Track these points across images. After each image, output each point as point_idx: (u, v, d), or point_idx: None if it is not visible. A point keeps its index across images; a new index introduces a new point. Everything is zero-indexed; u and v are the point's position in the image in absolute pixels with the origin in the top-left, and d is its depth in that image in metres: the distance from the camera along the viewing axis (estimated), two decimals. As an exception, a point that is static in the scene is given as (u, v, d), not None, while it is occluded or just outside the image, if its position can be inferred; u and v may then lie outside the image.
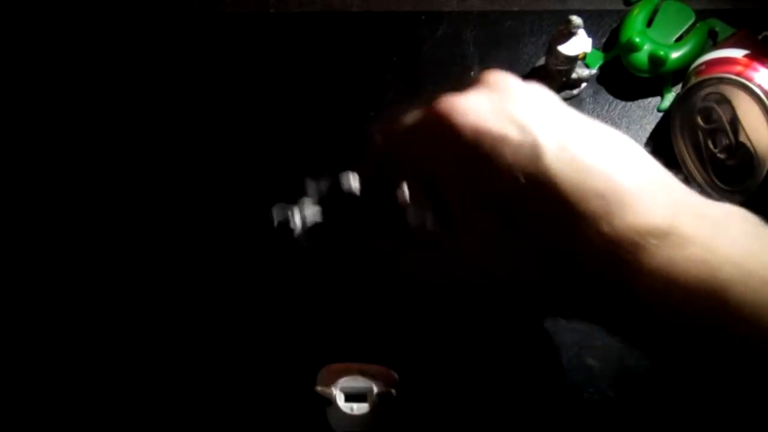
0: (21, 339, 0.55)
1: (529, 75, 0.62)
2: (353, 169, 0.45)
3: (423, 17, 0.65)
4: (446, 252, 0.38)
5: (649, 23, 0.62)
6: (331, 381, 0.51)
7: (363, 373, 0.51)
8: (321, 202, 0.46)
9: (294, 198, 0.48)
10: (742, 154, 0.53)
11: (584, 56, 0.59)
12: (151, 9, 0.67)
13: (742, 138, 0.52)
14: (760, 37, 0.55)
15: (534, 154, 0.31)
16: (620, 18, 0.63)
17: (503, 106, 0.33)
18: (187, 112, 0.62)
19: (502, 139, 0.32)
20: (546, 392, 0.51)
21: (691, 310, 0.29)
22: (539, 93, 0.35)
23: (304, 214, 0.47)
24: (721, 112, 0.53)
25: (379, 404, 0.50)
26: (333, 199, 0.46)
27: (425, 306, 0.54)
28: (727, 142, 0.53)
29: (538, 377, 0.52)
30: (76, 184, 0.60)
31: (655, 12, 0.62)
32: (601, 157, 0.32)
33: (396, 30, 0.65)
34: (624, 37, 0.60)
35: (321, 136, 0.61)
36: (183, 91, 0.63)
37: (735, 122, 0.53)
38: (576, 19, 0.55)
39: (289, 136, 0.61)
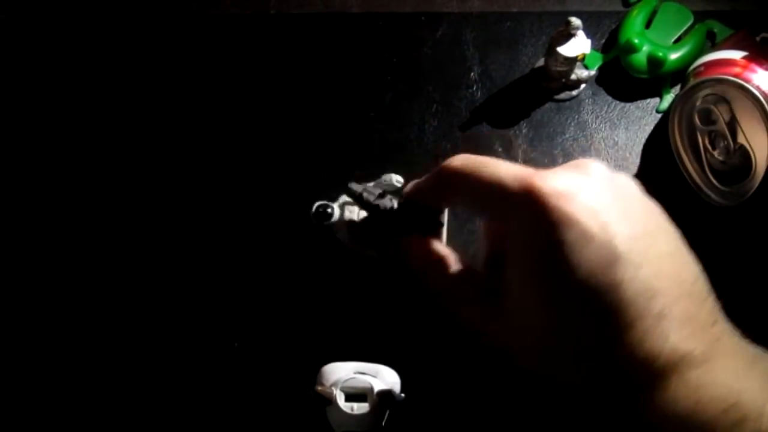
0: (22, 339, 0.55)
1: (528, 76, 0.62)
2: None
3: (423, 18, 0.65)
4: (502, 318, 0.37)
5: (648, 24, 0.62)
6: (331, 380, 0.51)
7: (363, 373, 0.51)
8: (362, 206, 0.47)
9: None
10: (741, 155, 0.53)
11: (583, 57, 0.58)
12: (152, 10, 0.66)
13: (741, 139, 0.52)
14: (758, 39, 0.55)
15: (611, 260, 0.32)
16: (619, 19, 0.63)
17: (595, 200, 0.33)
18: (188, 113, 0.62)
19: (586, 235, 0.32)
20: (547, 393, 0.51)
21: (707, 426, 0.30)
22: (629, 188, 0.36)
23: (343, 209, 0.50)
24: (719, 114, 0.53)
25: (379, 403, 0.50)
26: (371, 208, 0.46)
27: (426, 306, 0.54)
28: (726, 143, 0.53)
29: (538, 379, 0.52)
30: (77, 187, 0.60)
31: (653, 13, 0.62)
32: (668, 281, 0.32)
33: (396, 31, 0.65)
34: (623, 38, 0.60)
35: (321, 136, 0.61)
36: (183, 92, 0.63)
37: (733, 123, 0.52)
38: (575, 21, 0.55)
39: (290, 136, 0.61)
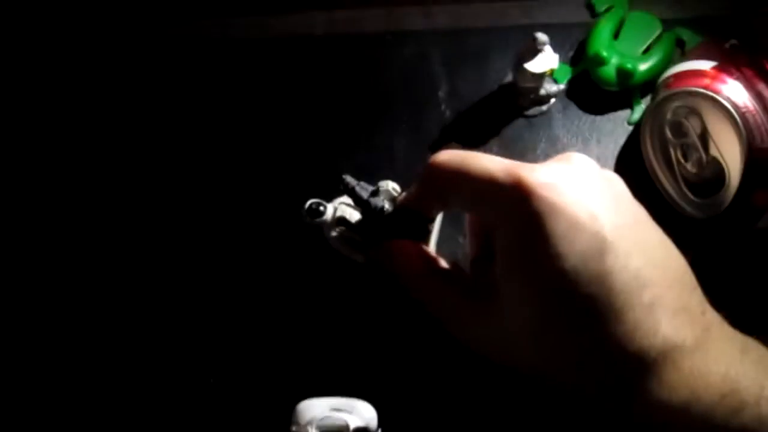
0: (22, 339, 0.55)
1: (497, 92, 0.61)
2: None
3: (388, 37, 0.63)
4: (492, 320, 0.37)
5: (616, 35, 0.60)
6: (306, 419, 0.49)
7: (338, 409, 0.50)
8: (353, 199, 0.47)
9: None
10: (713, 167, 0.51)
11: (552, 72, 0.57)
12: (114, 40, 0.65)
13: (713, 151, 0.51)
14: (727, 45, 0.54)
15: (601, 249, 0.32)
16: (587, 30, 0.61)
17: (584, 192, 0.33)
18: (153, 142, 0.61)
19: (576, 225, 0.32)
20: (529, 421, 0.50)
21: (704, 419, 0.30)
22: (616, 184, 0.36)
23: (336, 208, 0.50)
24: (690, 126, 0.52)
25: (356, 439, 0.49)
26: (362, 203, 0.46)
27: (401, 337, 0.53)
28: (698, 155, 0.52)
29: (517, 411, 0.51)
30: (71, 201, 0.60)
31: (621, 23, 0.61)
32: (656, 270, 0.33)
33: (361, 52, 0.63)
34: (591, 50, 0.59)
35: (289, 161, 0.60)
36: (149, 122, 0.62)
37: (705, 135, 0.51)
38: (542, 37, 0.54)
39: (256, 161, 0.60)
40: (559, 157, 0.37)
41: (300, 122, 0.61)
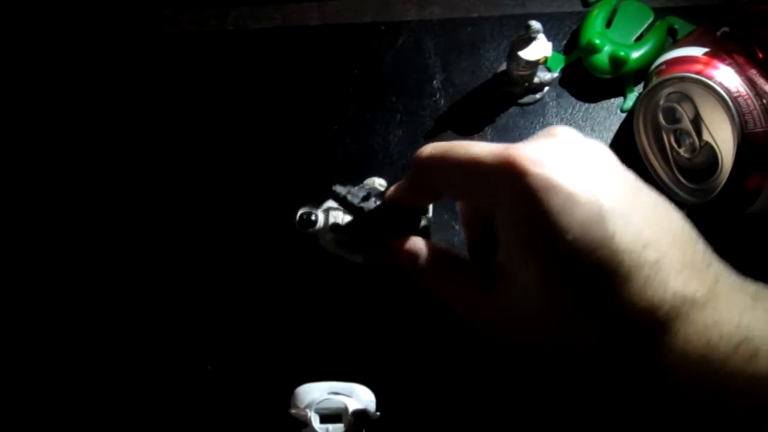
0: (21, 339, 0.55)
1: (492, 81, 0.61)
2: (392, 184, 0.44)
3: (382, 28, 0.63)
4: (493, 301, 0.37)
5: (609, 23, 0.60)
6: (305, 402, 0.49)
7: (337, 393, 0.50)
8: (346, 208, 0.46)
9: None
10: (707, 152, 0.51)
11: (545, 60, 0.57)
12: (110, 30, 0.64)
13: (706, 136, 0.51)
14: (719, 33, 0.54)
15: (599, 217, 0.31)
16: (580, 19, 0.61)
17: (574, 164, 0.33)
18: (146, 132, 0.61)
19: (572, 196, 0.32)
20: (525, 411, 0.50)
21: (721, 370, 0.30)
22: (603, 153, 0.36)
23: (328, 214, 0.49)
24: (683, 112, 0.52)
25: (354, 423, 0.49)
26: (355, 211, 0.45)
27: (398, 321, 0.53)
28: (691, 140, 0.52)
29: (516, 396, 0.51)
30: (60, 192, 0.59)
31: (614, 12, 0.61)
32: (657, 228, 0.33)
33: (356, 42, 0.63)
34: (584, 39, 0.59)
35: (286, 151, 0.59)
36: (143, 113, 0.61)
37: (698, 121, 0.51)
38: (535, 24, 0.54)
39: (253, 153, 0.59)
40: (545, 131, 0.37)
41: (295, 112, 0.60)
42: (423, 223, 0.45)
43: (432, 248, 0.41)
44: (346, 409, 0.49)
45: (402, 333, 0.52)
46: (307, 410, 0.49)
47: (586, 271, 0.32)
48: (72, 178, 0.59)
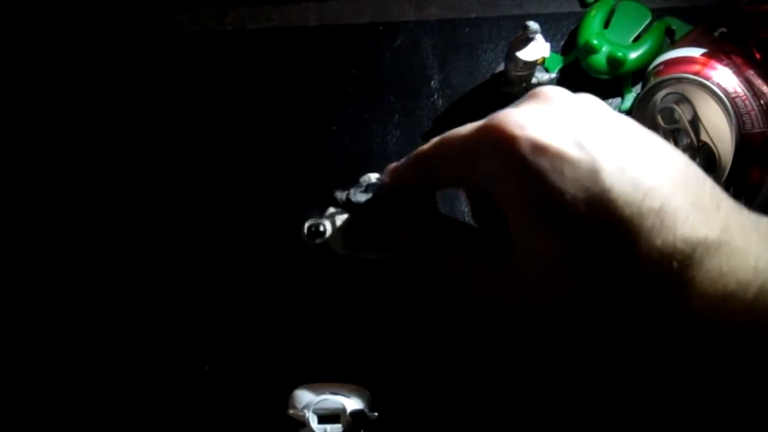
0: (19, 340, 0.54)
1: (489, 81, 0.61)
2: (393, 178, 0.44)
3: (380, 28, 0.63)
4: (507, 274, 0.37)
5: (607, 24, 0.60)
6: (303, 403, 0.49)
7: (335, 393, 0.50)
8: (351, 210, 0.46)
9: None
10: (705, 152, 0.51)
11: (543, 61, 0.57)
12: (108, 30, 0.64)
13: (704, 137, 0.51)
14: (716, 34, 0.54)
15: (593, 170, 0.31)
16: (577, 20, 0.61)
17: (559, 121, 0.33)
18: (144, 133, 0.60)
19: (560, 155, 0.31)
20: (523, 411, 0.50)
21: (743, 315, 0.29)
22: (589, 103, 0.35)
23: (334, 219, 0.49)
24: (681, 112, 0.52)
25: (352, 424, 0.49)
26: (354, 206, 0.45)
27: (395, 323, 0.52)
28: (689, 141, 0.52)
29: (514, 396, 0.51)
30: (55, 192, 0.59)
31: (611, 13, 0.61)
32: (657, 174, 0.31)
33: (354, 42, 0.63)
34: (582, 39, 0.59)
35: (284, 152, 0.59)
36: (141, 113, 0.61)
37: (696, 121, 0.51)
38: (533, 25, 0.54)
39: (252, 153, 0.59)
40: (528, 94, 0.36)
41: (293, 112, 0.60)
42: (432, 202, 0.45)
43: (441, 230, 0.42)
44: (344, 409, 0.48)
45: (400, 334, 0.52)
46: (305, 411, 0.49)
47: (589, 229, 0.31)
48: (69, 179, 0.59)
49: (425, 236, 0.42)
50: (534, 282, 0.35)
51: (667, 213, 0.30)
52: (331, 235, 0.49)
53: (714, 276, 0.30)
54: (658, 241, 0.30)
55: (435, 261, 0.42)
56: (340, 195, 0.45)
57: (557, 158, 0.31)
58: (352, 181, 0.48)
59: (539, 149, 0.32)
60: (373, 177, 0.49)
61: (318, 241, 0.49)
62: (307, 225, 0.48)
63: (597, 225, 0.31)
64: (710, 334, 0.31)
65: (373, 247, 0.48)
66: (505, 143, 0.32)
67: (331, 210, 0.50)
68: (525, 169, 0.32)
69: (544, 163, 0.31)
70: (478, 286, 0.39)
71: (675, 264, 0.30)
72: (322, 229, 0.48)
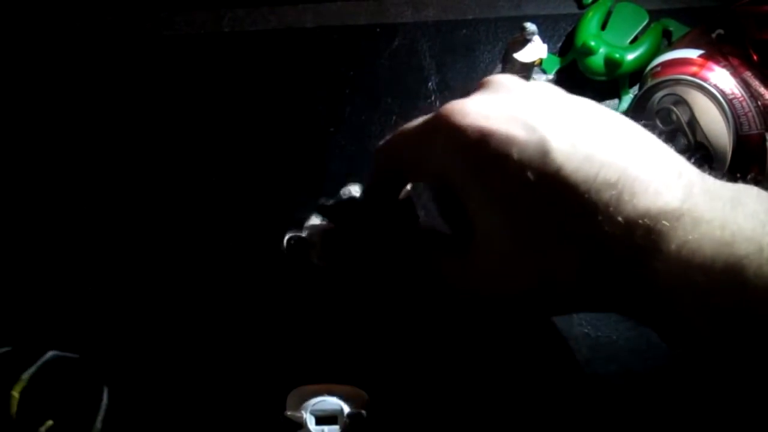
0: (18, 341, 0.53)
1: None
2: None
3: (378, 30, 0.63)
4: (471, 261, 0.36)
5: (604, 25, 0.60)
6: (301, 404, 0.49)
7: (332, 394, 0.49)
8: (326, 214, 0.46)
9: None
10: (702, 154, 0.51)
11: (540, 62, 0.57)
12: (105, 32, 0.64)
13: (701, 138, 0.51)
14: (713, 35, 0.53)
15: (542, 151, 0.30)
16: (575, 22, 0.61)
17: (507, 106, 0.32)
18: (141, 134, 0.60)
19: (507, 139, 0.31)
20: (521, 411, 0.50)
21: (709, 287, 0.28)
22: (541, 88, 0.35)
23: (313, 230, 0.48)
24: (678, 113, 0.52)
25: (350, 425, 0.48)
26: (338, 210, 0.45)
27: (394, 324, 0.52)
28: (686, 142, 0.52)
29: (511, 397, 0.50)
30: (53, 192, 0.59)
31: (609, 14, 0.60)
32: (611, 148, 0.31)
33: (351, 44, 0.62)
34: (579, 41, 0.58)
35: (281, 153, 0.59)
36: (138, 115, 0.61)
37: (693, 123, 0.51)
38: (530, 26, 0.54)
39: (249, 154, 0.59)
40: (479, 83, 0.36)
41: (290, 114, 0.60)
42: (413, 214, 0.45)
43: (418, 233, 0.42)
44: (341, 410, 0.48)
45: (397, 335, 0.52)
46: (303, 412, 0.48)
47: (543, 209, 0.31)
48: (66, 180, 0.58)
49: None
50: (495, 265, 0.35)
51: (625, 185, 0.30)
52: (311, 249, 0.49)
53: (679, 248, 0.29)
54: (618, 216, 0.30)
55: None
56: (324, 202, 0.45)
57: (504, 143, 0.31)
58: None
59: (485, 135, 0.31)
60: (353, 189, 0.49)
61: (299, 252, 0.48)
62: (287, 237, 0.48)
63: (551, 204, 0.31)
64: (680, 305, 0.29)
65: (351, 259, 0.48)
66: (452, 132, 0.32)
67: (311, 222, 0.50)
68: (473, 156, 0.32)
69: (490, 149, 0.31)
70: (449, 277, 0.39)
71: (638, 238, 0.29)
72: (302, 241, 0.48)
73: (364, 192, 0.45)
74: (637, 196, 0.30)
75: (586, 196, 0.30)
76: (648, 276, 0.30)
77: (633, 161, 0.31)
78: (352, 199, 0.44)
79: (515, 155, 0.31)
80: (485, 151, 0.31)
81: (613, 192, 0.30)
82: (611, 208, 0.30)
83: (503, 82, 0.35)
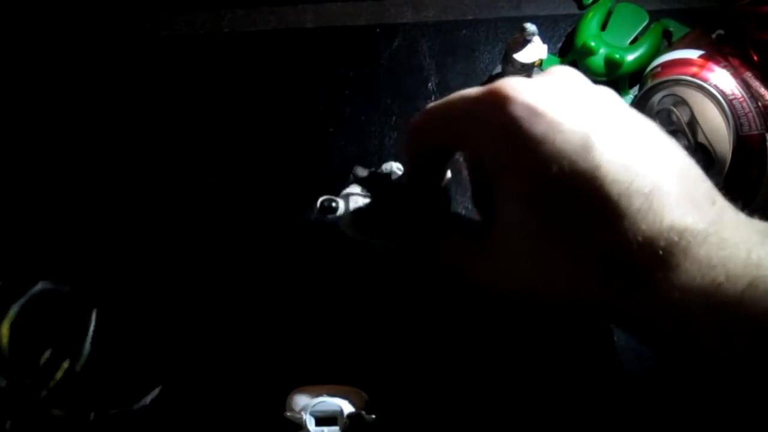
0: (18, 342, 0.53)
1: (487, 83, 0.60)
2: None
3: (378, 30, 0.63)
4: (490, 246, 0.36)
5: (604, 26, 0.60)
6: (300, 405, 0.49)
7: (332, 395, 0.49)
8: (364, 186, 0.46)
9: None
10: (702, 154, 0.51)
11: (540, 63, 0.57)
12: (104, 33, 0.64)
13: (701, 139, 0.51)
14: (714, 36, 0.53)
15: (585, 145, 0.30)
16: (575, 22, 0.61)
17: (562, 94, 0.32)
18: (141, 135, 0.60)
19: (554, 123, 0.31)
20: (520, 412, 0.50)
21: (730, 311, 0.27)
22: (600, 90, 0.34)
23: (348, 200, 0.47)
24: (679, 114, 0.51)
25: (350, 426, 0.48)
26: (374, 183, 0.45)
27: (394, 324, 0.52)
28: (687, 143, 0.52)
29: (511, 398, 0.50)
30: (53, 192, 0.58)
31: (609, 15, 0.60)
32: (652, 163, 0.31)
33: (351, 44, 0.62)
34: (579, 41, 0.58)
35: (281, 153, 0.59)
36: (138, 115, 0.60)
37: (693, 123, 0.51)
38: (530, 27, 0.53)
39: (249, 155, 0.59)
40: (547, 69, 0.36)
41: (290, 114, 0.60)
42: (447, 197, 0.45)
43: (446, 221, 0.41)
44: (341, 411, 0.48)
45: (397, 336, 0.52)
46: (303, 413, 0.48)
47: (573, 205, 0.30)
48: (66, 180, 0.58)
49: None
50: (512, 252, 0.34)
51: (656, 198, 0.30)
52: (343, 214, 0.49)
53: (702, 266, 0.28)
54: (643, 225, 0.29)
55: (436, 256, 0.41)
56: (362, 172, 0.45)
57: (550, 126, 0.31)
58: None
59: (534, 113, 0.31)
60: (395, 165, 0.49)
61: (330, 217, 0.48)
62: (320, 199, 0.48)
63: (580, 201, 0.30)
64: (695, 324, 0.29)
65: (380, 233, 0.48)
66: (501, 102, 0.32)
67: (348, 190, 0.50)
68: (516, 131, 0.31)
69: (536, 127, 0.31)
70: (461, 262, 0.38)
71: (660, 249, 0.29)
72: (334, 205, 0.48)
73: (405, 172, 0.45)
74: (665, 211, 0.29)
75: (617, 200, 0.30)
76: (664, 289, 0.29)
77: (669, 179, 0.30)
78: (389, 175, 0.44)
79: (558, 141, 0.30)
80: (529, 129, 0.31)
81: (644, 201, 0.29)
82: (639, 216, 0.29)
83: (567, 73, 0.35)
